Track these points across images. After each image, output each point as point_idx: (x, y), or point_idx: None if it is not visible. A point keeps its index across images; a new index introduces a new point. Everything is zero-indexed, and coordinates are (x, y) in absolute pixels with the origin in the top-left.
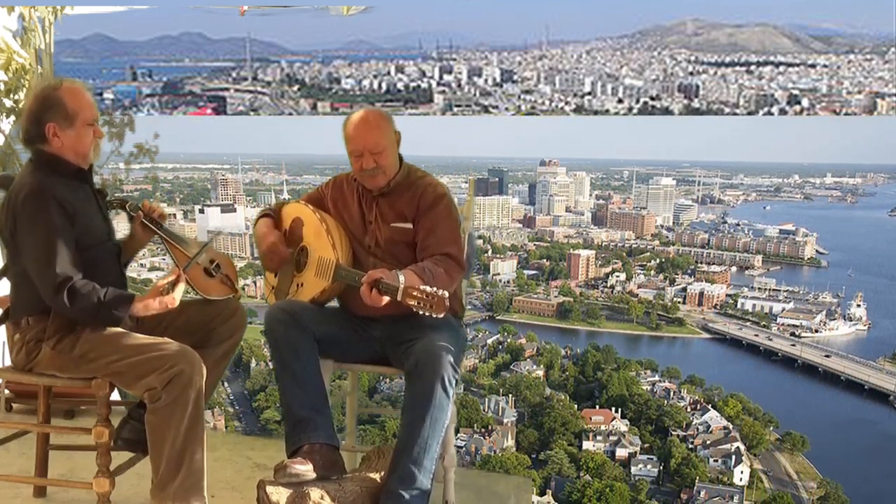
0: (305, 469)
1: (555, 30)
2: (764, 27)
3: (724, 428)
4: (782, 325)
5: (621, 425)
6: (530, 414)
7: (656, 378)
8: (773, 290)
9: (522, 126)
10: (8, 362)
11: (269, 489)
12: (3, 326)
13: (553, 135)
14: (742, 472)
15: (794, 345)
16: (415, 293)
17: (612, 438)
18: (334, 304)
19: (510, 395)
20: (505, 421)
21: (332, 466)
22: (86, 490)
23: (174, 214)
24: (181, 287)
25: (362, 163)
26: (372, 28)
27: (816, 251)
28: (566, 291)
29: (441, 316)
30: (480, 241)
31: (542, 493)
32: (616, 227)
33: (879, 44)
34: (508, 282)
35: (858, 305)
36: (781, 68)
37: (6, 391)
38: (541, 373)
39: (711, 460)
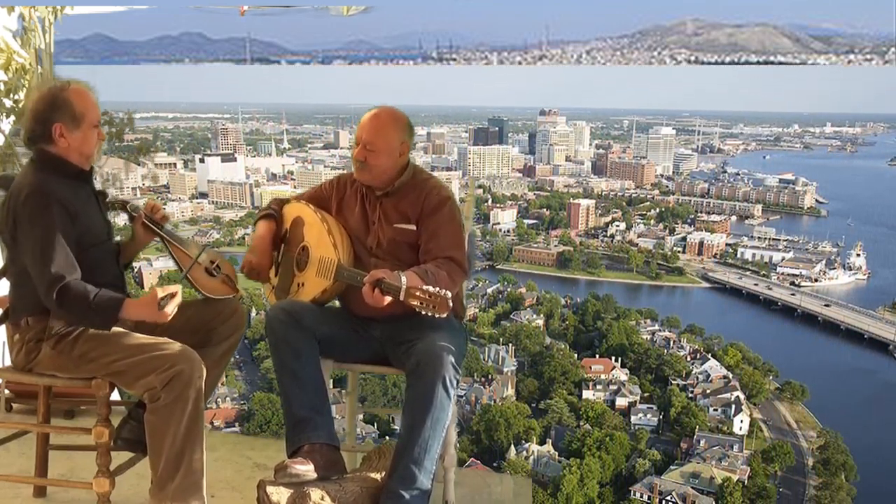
0: (306, 469)
1: (555, 30)
2: (764, 27)
3: (724, 377)
4: (782, 274)
5: (621, 374)
6: (530, 363)
7: (656, 327)
8: (773, 239)
9: (523, 75)
10: (8, 362)
11: (270, 489)
12: (4, 326)
13: (553, 84)
14: (742, 422)
15: (793, 294)
16: (417, 293)
17: (612, 388)
18: (335, 303)
19: (510, 345)
20: (505, 370)
21: (332, 466)
22: (86, 490)
23: (174, 164)
24: (176, 302)
25: (356, 151)
26: (372, 28)
27: (816, 200)
28: (566, 241)
29: (444, 316)
30: (480, 191)
31: (542, 443)
32: (616, 176)
33: (879, 44)
34: (508, 231)
35: (858, 255)
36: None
37: (6, 391)
38: (541, 322)
39: (711, 409)
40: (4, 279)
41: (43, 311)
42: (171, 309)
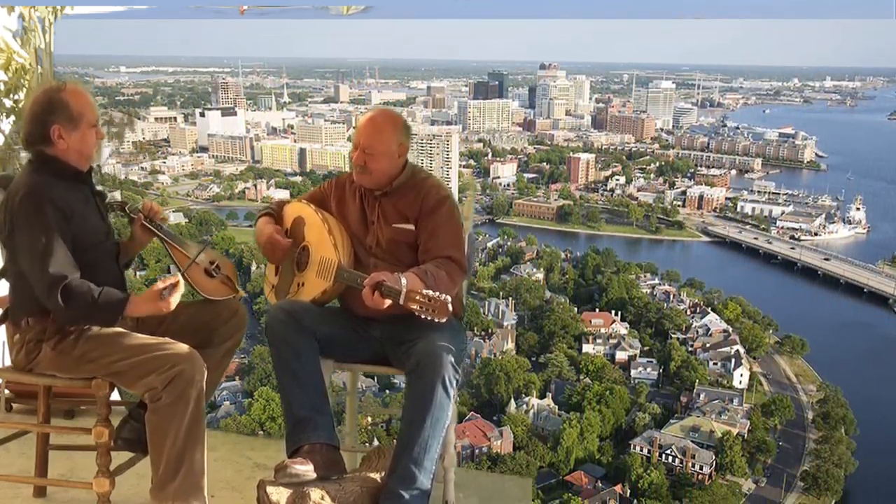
0: (306, 469)
1: None
2: None
3: (724, 331)
4: (781, 228)
5: (621, 328)
6: (530, 317)
7: (656, 281)
8: (773, 193)
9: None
10: (8, 362)
11: (270, 489)
12: (4, 326)
13: (553, 38)
14: (741, 375)
15: (793, 248)
16: (417, 297)
17: (612, 342)
18: (335, 303)
19: (510, 299)
20: (505, 324)
21: (332, 466)
22: (86, 490)
23: (175, 118)
24: (179, 293)
25: (355, 156)
26: None
27: (816, 154)
28: (566, 195)
29: (444, 320)
30: (480, 145)
31: (541, 397)
32: (616, 130)
33: None
34: (508, 185)
35: (858, 209)
36: None
37: (6, 391)
38: (541, 276)
39: (711, 363)
40: (4, 279)
41: (43, 312)
42: (174, 299)
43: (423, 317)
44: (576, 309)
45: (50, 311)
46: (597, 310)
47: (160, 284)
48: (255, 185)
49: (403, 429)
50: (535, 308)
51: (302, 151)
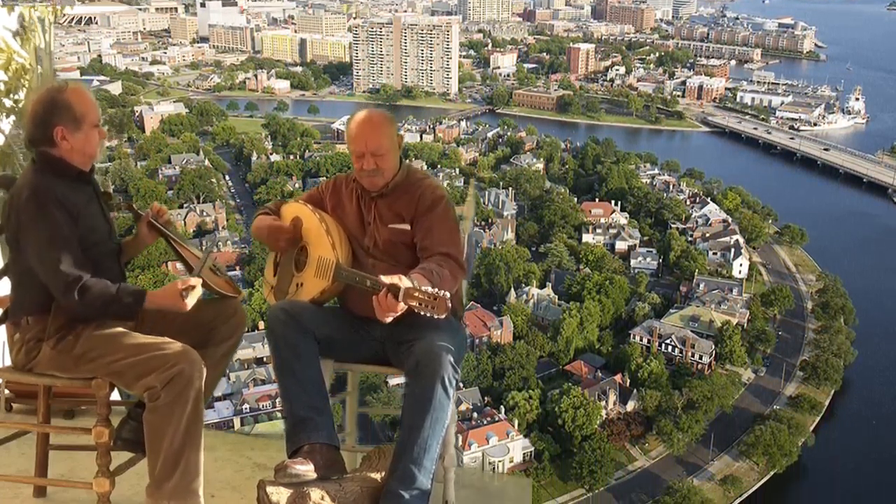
0: (306, 469)
1: None
2: None
3: (724, 221)
4: (781, 118)
5: (621, 218)
6: (530, 207)
7: (656, 171)
8: (772, 83)
9: None
10: (8, 362)
11: (270, 489)
12: (4, 326)
13: None
14: (741, 265)
15: (792, 138)
16: (416, 294)
17: (612, 231)
18: (335, 303)
19: (510, 189)
20: (505, 214)
21: (332, 466)
22: (86, 490)
23: (175, 8)
24: (196, 294)
25: (363, 163)
26: None
27: (815, 45)
28: (566, 85)
29: (443, 317)
30: (480, 35)
31: (541, 286)
32: (615, 20)
33: None
34: (508, 75)
35: (857, 99)
36: None
37: (6, 391)
38: (540, 166)
39: (710, 253)
40: (5, 279)
41: (43, 311)
42: (191, 300)
43: (422, 313)
44: (576, 199)
45: (49, 311)
46: (597, 199)
47: (180, 284)
48: (256, 76)
49: (403, 429)
50: (535, 198)
51: (302, 42)
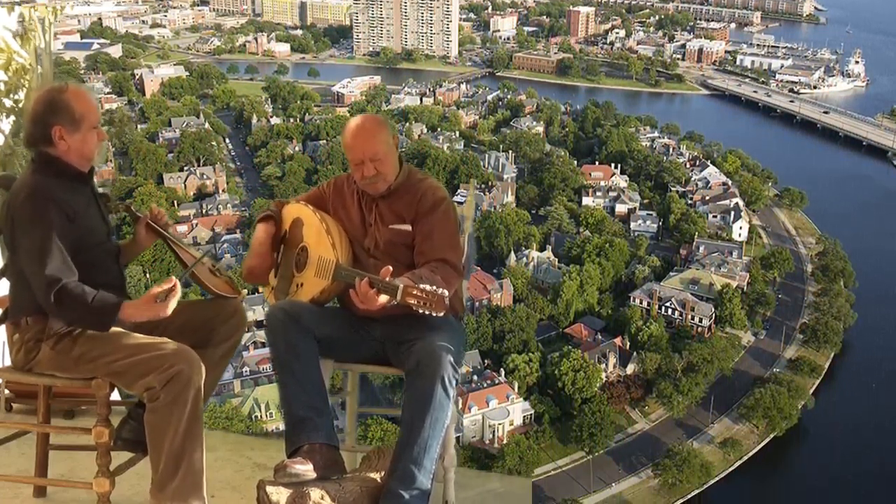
0: (305, 469)
1: None
2: None
3: (724, 184)
4: (781, 81)
5: (621, 181)
6: (530, 170)
7: (655, 134)
8: (772, 46)
9: None
10: (8, 362)
11: (270, 489)
12: (4, 326)
13: None
14: (741, 228)
15: (792, 101)
16: (415, 292)
17: (612, 194)
18: (335, 304)
19: (510, 152)
20: (505, 177)
21: (332, 466)
22: (86, 490)
23: None
24: (176, 297)
25: (363, 171)
26: None
27: (815, 7)
28: (566, 48)
29: (441, 314)
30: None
31: (541, 249)
32: None
33: None
34: (508, 38)
35: (857, 62)
36: None
37: (6, 391)
38: (540, 129)
39: (710, 216)
40: (4, 279)
41: (43, 311)
42: (171, 303)
43: (420, 311)
44: (575, 162)
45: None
46: (596, 162)
47: (156, 289)
48: (256, 39)
49: (403, 429)
50: (535, 161)
51: (303, 5)
